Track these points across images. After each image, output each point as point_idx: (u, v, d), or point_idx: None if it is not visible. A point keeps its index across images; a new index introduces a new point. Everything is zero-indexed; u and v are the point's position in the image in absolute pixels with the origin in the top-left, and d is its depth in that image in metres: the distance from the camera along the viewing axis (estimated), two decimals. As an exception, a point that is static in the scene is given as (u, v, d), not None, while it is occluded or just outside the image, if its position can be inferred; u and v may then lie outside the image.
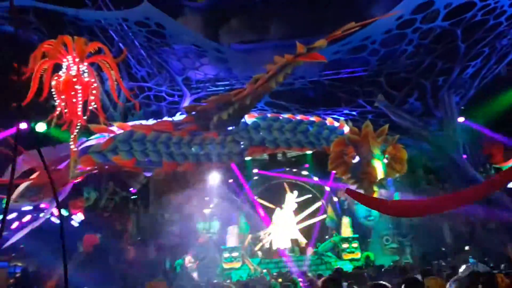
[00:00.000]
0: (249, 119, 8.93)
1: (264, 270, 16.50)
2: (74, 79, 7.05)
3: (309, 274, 12.63)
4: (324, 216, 20.48)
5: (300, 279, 11.22)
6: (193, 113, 8.46)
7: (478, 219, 14.06)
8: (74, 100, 7.08)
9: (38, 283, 11.78)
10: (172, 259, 17.34)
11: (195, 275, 16.88)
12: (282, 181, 21.00)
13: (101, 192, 15.05)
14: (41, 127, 11.24)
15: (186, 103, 15.46)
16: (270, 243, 20.23)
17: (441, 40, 13.48)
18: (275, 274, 15.71)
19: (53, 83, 7.08)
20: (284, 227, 20.20)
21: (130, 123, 8.61)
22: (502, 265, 8.86)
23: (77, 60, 7.13)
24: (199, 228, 19.62)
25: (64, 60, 7.13)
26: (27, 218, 10.46)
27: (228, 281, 14.54)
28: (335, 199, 20.52)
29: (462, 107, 15.78)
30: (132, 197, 16.39)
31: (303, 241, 20.21)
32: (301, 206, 20.66)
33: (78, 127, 7.26)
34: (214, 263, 18.63)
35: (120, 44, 13.87)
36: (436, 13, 12.29)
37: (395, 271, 9.41)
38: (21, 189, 7.81)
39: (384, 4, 13.38)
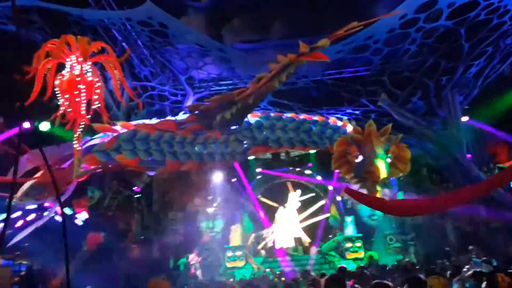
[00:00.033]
0: (252, 118, 8.93)
1: (268, 269, 16.54)
2: (78, 79, 7.07)
3: (312, 273, 12.64)
4: (327, 215, 20.49)
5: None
6: (196, 112, 8.46)
7: (482, 218, 14.02)
8: (77, 99, 7.10)
9: (42, 281, 11.84)
10: (176, 258, 17.40)
11: (198, 273, 16.94)
12: (286, 180, 21.02)
13: (105, 191, 15.11)
14: (45, 126, 11.31)
15: (189, 102, 15.50)
16: (274, 242, 20.26)
17: (445, 39, 13.46)
18: (277, 272, 15.75)
19: (57, 82, 7.10)
20: (287, 226, 20.21)
21: (134, 122, 8.62)
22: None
23: (80, 59, 7.15)
24: (202, 227, 19.67)
25: (68, 59, 7.16)
26: (32, 217, 10.50)
27: (232, 280, 14.57)
28: (339, 198, 20.51)
29: (466, 107, 15.75)
30: (135, 196, 16.45)
31: (306, 240, 20.21)
32: (305, 205, 20.67)
33: (82, 126, 7.28)
34: (217, 262, 18.68)
35: (123, 44, 13.92)
36: (439, 12, 12.27)
37: (398, 270, 9.41)
38: (25, 188, 7.85)
39: (387, 3, 13.36)
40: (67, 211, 12.96)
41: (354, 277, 8.40)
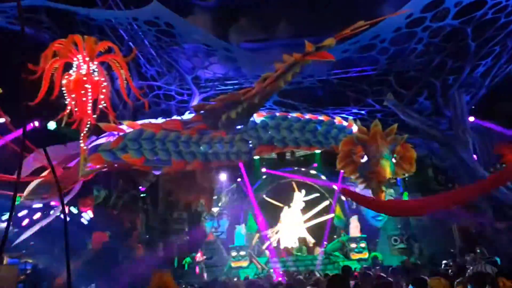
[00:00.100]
0: (257, 118, 8.94)
1: (271, 270, 16.56)
2: (84, 78, 7.11)
3: (317, 274, 12.62)
4: (332, 215, 20.47)
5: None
6: (202, 112, 8.48)
7: (488, 219, 13.96)
8: (84, 99, 7.15)
9: (47, 280, 11.91)
10: (180, 257, 17.45)
11: (203, 272, 17.00)
12: (291, 180, 21.03)
13: (111, 190, 15.17)
14: (51, 125, 11.38)
15: (195, 102, 15.54)
16: (278, 242, 20.27)
17: (451, 38, 13.39)
18: (281, 272, 15.77)
19: (64, 82, 7.15)
20: (292, 226, 20.22)
21: (140, 122, 8.65)
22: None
23: (87, 59, 7.19)
24: (207, 227, 19.74)
25: (75, 59, 7.20)
26: (38, 215, 10.58)
27: (236, 279, 14.60)
28: (344, 198, 20.49)
29: (473, 107, 15.67)
30: (141, 196, 16.51)
31: (311, 240, 20.20)
32: (310, 205, 20.67)
33: (88, 125, 7.32)
34: (221, 262, 18.74)
35: (130, 43, 13.97)
36: (446, 12, 12.21)
37: (402, 271, 9.38)
38: (32, 187, 7.91)
39: (393, 2, 13.32)
40: (73, 210, 13.02)
41: (358, 277, 8.41)
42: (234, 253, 18.65)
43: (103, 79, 7.35)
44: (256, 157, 17.65)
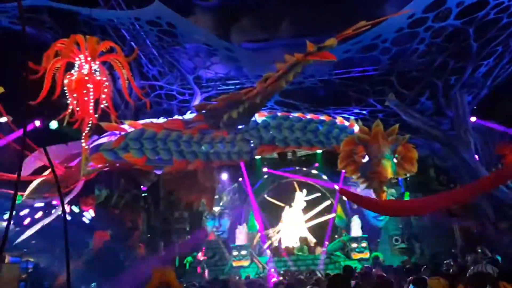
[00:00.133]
0: (259, 117, 8.96)
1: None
2: (86, 78, 7.14)
3: (318, 274, 12.63)
4: (333, 215, 20.47)
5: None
6: (203, 111, 8.50)
7: (490, 219, 13.95)
8: (85, 98, 7.18)
9: (49, 278, 11.95)
10: (182, 256, 17.48)
11: (204, 271, 17.03)
12: (292, 180, 21.04)
13: (112, 190, 15.19)
14: (55, 124, 11.43)
15: (196, 101, 15.55)
16: (279, 242, 20.27)
17: (453, 39, 13.37)
18: (282, 272, 15.79)
19: (66, 81, 7.17)
20: (293, 225, 20.22)
21: (141, 122, 8.68)
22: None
23: (89, 59, 7.22)
24: (208, 226, 19.76)
25: (76, 59, 7.23)
26: (39, 214, 10.62)
27: (237, 278, 14.62)
28: (345, 198, 20.47)
29: (475, 107, 15.65)
30: (142, 195, 16.53)
31: (312, 240, 20.20)
32: (311, 205, 20.67)
33: (90, 125, 7.35)
34: (223, 261, 18.76)
35: (132, 43, 13.99)
36: (448, 12, 12.20)
37: (403, 271, 9.38)
38: (34, 186, 7.93)
39: (395, 2, 13.31)
40: (75, 209, 13.06)
41: (359, 277, 8.41)
42: (235, 253, 18.67)
43: (105, 78, 7.38)
44: (258, 157, 17.66)
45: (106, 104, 7.51)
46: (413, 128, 14.12)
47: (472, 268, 6.53)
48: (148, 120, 8.80)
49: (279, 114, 9.44)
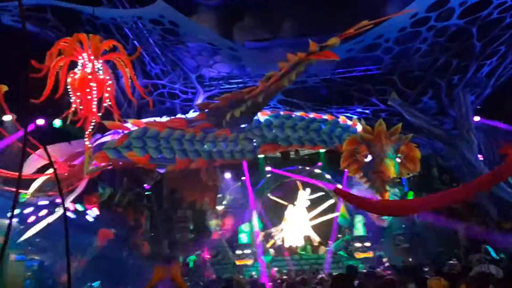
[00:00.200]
0: (262, 116, 8.96)
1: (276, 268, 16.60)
2: (89, 77, 7.17)
3: (321, 274, 12.65)
4: (337, 214, 20.44)
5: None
6: (206, 110, 8.51)
7: (493, 219, 13.93)
8: (89, 97, 7.20)
9: (53, 276, 12.01)
10: (185, 255, 17.51)
11: (209, 270, 17.06)
12: (296, 179, 21.02)
13: (115, 188, 15.23)
14: (58, 123, 11.47)
15: (199, 100, 15.57)
16: (283, 241, 20.28)
17: (456, 38, 13.34)
18: (284, 271, 15.82)
19: (69, 80, 7.21)
20: (297, 224, 20.21)
21: (144, 120, 8.71)
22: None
23: (92, 57, 7.24)
24: (212, 225, 19.78)
25: (80, 57, 7.26)
26: (44, 212, 10.65)
27: (241, 277, 14.66)
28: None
29: (478, 107, 15.60)
30: (146, 193, 16.57)
31: (316, 239, 20.17)
32: (315, 204, 20.65)
33: (93, 123, 7.38)
34: (226, 260, 18.79)
35: (135, 42, 14.03)
36: (451, 11, 12.17)
37: (405, 270, 9.39)
38: (38, 184, 7.97)
39: (397, 2, 13.29)
40: (78, 207, 13.10)
41: (362, 276, 8.42)
42: (239, 251, 18.69)
43: (108, 77, 7.41)
44: (261, 156, 17.65)
45: (109, 103, 7.54)
46: (416, 127, 14.10)
47: (475, 268, 6.53)
48: (151, 119, 8.82)
49: (281, 113, 9.44)
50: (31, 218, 10.47)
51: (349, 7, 14.05)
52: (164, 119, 8.81)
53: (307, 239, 20.09)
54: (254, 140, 8.73)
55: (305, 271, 15.94)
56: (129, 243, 14.37)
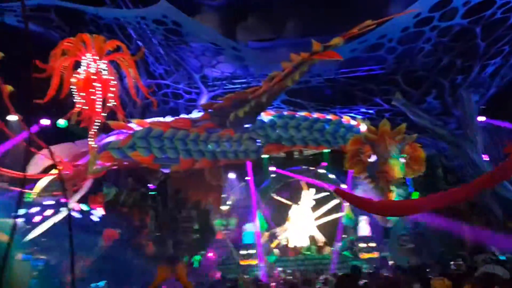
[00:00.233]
0: (265, 116, 8.98)
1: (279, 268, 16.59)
2: (94, 77, 7.19)
3: (326, 274, 12.64)
4: (341, 214, 20.37)
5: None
6: (210, 110, 8.54)
7: (498, 218, 13.87)
8: (93, 97, 7.23)
9: (59, 276, 12.03)
10: (190, 255, 17.51)
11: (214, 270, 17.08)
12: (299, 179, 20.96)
13: (120, 188, 15.27)
14: (63, 123, 11.53)
15: (203, 100, 15.59)
16: (287, 241, 20.24)
17: (460, 38, 13.30)
18: (289, 271, 15.80)
19: (73, 80, 7.23)
20: (301, 224, 20.15)
21: (148, 120, 8.74)
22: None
23: (96, 58, 7.27)
24: (216, 225, 19.78)
25: (84, 57, 7.28)
26: (50, 212, 10.69)
27: (246, 277, 14.67)
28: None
29: (483, 106, 15.54)
30: (150, 193, 16.59)
31: (320, 239, 20.11)
32: (320, 204, 20.58)
33: (97, 123, 7.40)
34: (230, 260, 18.78)
35: (138, 42, 14.06)
36: (454, 11, 12.14)
37: (410, 270, 9.37)
38: (43, 184, 8.01)
39: (400, 2, 13.26)
40: (83, 207, 13.15)
41: (367, 277, 8.42)
42: (243, 252, 18.68)
43: (112, 77, 7.43)
44: (265, 156, 17.64)
45: (114, 103, 7.56)
46: (420, 127, 14.06)
47: (480, 268, 6.50)
48: (155, 119, 8.85)
49: (285, 113, 9.46)
50: (37, 218, 10.51)
51: (352, 7, 14.03)
52: (168, 119, 8.83)
53: (312, 239, 20.04)
54: (258, 140, 8.74)
55: (309, 271, 15.91)
56: (134, 243, 14.39)
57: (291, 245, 19.88)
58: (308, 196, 20.44)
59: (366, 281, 7.82)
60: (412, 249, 18.24)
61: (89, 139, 7.51)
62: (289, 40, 15.33)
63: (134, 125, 8.20)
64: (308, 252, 19.42)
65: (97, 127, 7.46)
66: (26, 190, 7.85)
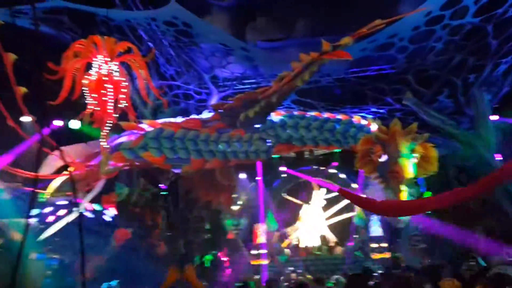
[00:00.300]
0: (275, 116, 8.99)
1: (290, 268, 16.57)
2: (105, 78, 7.28)
3: (337, 274, 12.60)
4: (353, 213, 20.29)
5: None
6: (220, 111, 8.57)
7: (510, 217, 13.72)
8: (105, 98, 7.31)
9: (73, 275, 12.17)
10: (201, 254, 17.58)
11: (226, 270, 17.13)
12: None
13: (133, 188, 15.39)
14: (76, 124, 11.68)
15: (213, 101, 15.66)
16: (298, 241, 20.21)
17: (472, 36, 13.19)
18: (299, 271, 15.79)
19: (85, 82, 7.32)
20: (312, 223, 20.11)
21: (160, 121, 8.80)
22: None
23: (107, 59, 7.35)
24: (227, 225, 19.83)
25: (95, 59, 7.37)
26: (63, 212, 10.83)
27: (257, 277, 14.69)
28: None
29: (496, 105, 15.38)
30: (162, 194, 16.69)
31: (332, 239, 20.04)
32: (331, 203, 20.51)
33: (109, 124, 7.48)
34: (241, 260, 18.80)
35: (149, 43, 14.16)
36: (465, 9, 12.04)
37: (422, 271, 9.32)
38: (57, 184, 8.12)
39: (411, 1, 13.20)
40: (96, 207, 13.29)
41: (378, 277, 8.39)
42: (254, 251, 18.70)
43: (123, 79, 7.51)
44: (276, 156, 17.63)
45: (126, 104, 7.64)
46: (432, 127, 13.96)
47: (493, 269, 6.44)
48: (166, 120, 8.91)
49: (295, 113, 9.45)
50: (51, 218, 10.65)
51: (361, 6, 13.99)
52: (179, 119, 8.89)
53: (323, 239, 19.99)
54: (268, 140, 8.75)
55: (320, 271, 15.88)
56: (146, 243, 14.50)
57: (302, 245, 19.86)
58: (319, 195, 20.40)
59: (377, 281, 7.79)
60: (424, 250, 18.12)
61: (101, 140, 7.59)
62: (298, 40, 15.33)
63: (146, 125, 8.26)
64: (319, 252, 19.38)
65: (109, 128, 7.54)
66: (40, 190, 7.97)
